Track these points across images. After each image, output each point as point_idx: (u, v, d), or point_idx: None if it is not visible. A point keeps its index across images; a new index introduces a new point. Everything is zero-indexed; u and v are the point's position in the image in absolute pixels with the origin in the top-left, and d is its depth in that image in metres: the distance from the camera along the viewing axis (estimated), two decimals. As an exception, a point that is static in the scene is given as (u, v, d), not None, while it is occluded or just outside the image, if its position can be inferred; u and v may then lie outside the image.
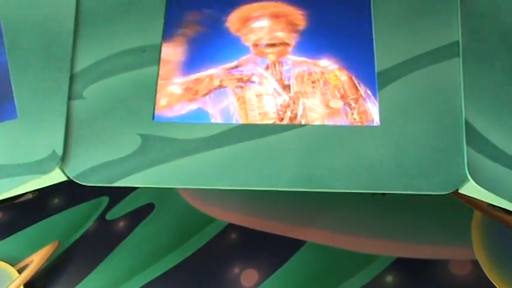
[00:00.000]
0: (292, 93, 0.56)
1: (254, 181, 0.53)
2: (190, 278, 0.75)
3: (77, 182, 0.54)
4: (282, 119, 0.55)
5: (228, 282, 0.74)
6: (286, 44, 0.57)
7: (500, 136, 0.53)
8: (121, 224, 0.81)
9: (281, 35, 0.57)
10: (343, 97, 0.55)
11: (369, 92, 0.55)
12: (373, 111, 0.54)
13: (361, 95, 0.55)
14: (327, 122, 0.55)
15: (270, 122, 0.55)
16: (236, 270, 0.74)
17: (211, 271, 0.75)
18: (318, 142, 0.54)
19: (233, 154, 0.54)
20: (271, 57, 0.57)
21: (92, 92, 0.56)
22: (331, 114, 0.55)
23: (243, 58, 0.57)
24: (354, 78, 0.56)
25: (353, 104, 0.55)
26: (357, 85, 0.55)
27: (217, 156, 0.54)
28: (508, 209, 0.53)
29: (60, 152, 0.54)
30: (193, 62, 0.57)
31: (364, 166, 0.53)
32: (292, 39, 0.57)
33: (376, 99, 0.55)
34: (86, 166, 0.54)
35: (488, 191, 0.52)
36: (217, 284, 0.74)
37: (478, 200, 0.56)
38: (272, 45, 0.57)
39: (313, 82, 0.56)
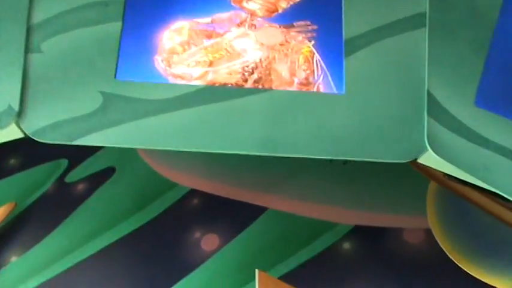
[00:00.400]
0: (262, 57, 0.56)
1: (218, 144, 0.53)
2: (151, 241, 0.75)
3: (34, 138, 0.52)
4: (246, 80, 0.55)
5: (188, 246, 0.74)
6: (273, 11, 0.56)
7: (460, 107, 0.54)
8: (80, 186, 0.80)
9: (276, 1, 0.56)
10: (307, 68, 0.55)
11: (327, 70, 0.55)
12: (332, 85, 0.55)
13: (324, 71, 0.55)
14: (290, 89, 0.55)
15: (234, 81, 0.54)
16: (197, 234, 0.75)
17: (172, 235, 0.75)
18: (283, 107, 0.54)
19: (197, 116, 0.53)
20: (248, 19, 0.56)
21: (50, 46, 0.54)
22: (292, 83, 0.55)
23: (219, 15, 0.56)
24: (318, 53, 0.56)
25: (315, 77, 0.55)
26: (319, 61, 0.56)
27: (181, 117, 0.53)
28: (463, 179, 0.55)
29: (16, 107, 0.52)
30: (165, 12, 0.56)
31: (328, 133, 0.53)
32: (282, 8, 0.57)
33: (340, 72, 0.55)
34: (44, 123, 0.52)
35: (445, 160, 0.53)
36: (178, 248, 0.74)
37: (435, 170, 0.57)
38: (259, 5, 0.56)
39: (285, 49, 0.56)
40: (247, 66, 0.55)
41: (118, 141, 0.53)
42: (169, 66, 0.55)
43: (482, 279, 0.67)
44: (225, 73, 0.55)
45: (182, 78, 0.54)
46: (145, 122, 0.53)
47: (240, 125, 0.53)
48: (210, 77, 0.55)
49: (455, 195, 0.70)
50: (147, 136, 0.53)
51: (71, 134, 0.52)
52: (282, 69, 0.55)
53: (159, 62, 0.55)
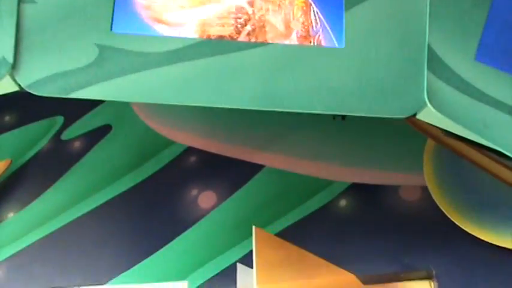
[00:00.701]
0: (255, 8, 0.54)
1: (215, 98, 0.52)
2: (148, 199, 0.75)
3: (30, 91, 0.52)
4: (239, 32, 0.53)
5: (185, 204, 0.74)
6: None
7: (461, 62, 0.53)
8: (77, 144, 0.79)
9: None
10: (305, 20, 0.54)
11: (326, 23, 0.54)
12: (333, 38, 0.54)
13: (323, 23, 0.54)
14: (285, 42, 0.54)
15: (228, 33, 0.53)
16: (194, 192, 0.75)
17: (169, 193, 0.75)
18: (282, 61, 0.53)
19: (195, 70, 0.52)
20: None
21: None
22: (289, 35, 0.54)
23: None
24: (316, 5, 0.55)
25: (314, 30, 0.54)
26: (317, 13, 0.54)
27: (178, 71, 0.52)
28: (461, 135, 0.55)
29: (10, 59, 0.51)
30: None
31: (327, 88, 0.53)
32: None
33: (339, 25, 0.54)
34: (40, 75, 0.51)
35: (444, 116, 0.53)
36: (175, 204, 0.74)
37: (432, 127, 0.57)
38: None
39: (278, 0, 0.55)
40: (240, 18, 0.54)
41: (115, 94, 0.52)
42: (154, 12, 0.53)
43: (478, 236, 0.68)
44: (218, 25, 0.54)
45: (168, 24, 0.53)
46: (142, 76, 0.52)
47: (238, 79, 0.52)
48: (196, 23, 0.53)
49: (452, 152, 0.70)
50: (144, 90, 0.52)
51: (66, 86, 0.51)
52: (276, 21, 0.54)
53: (142, 8, 0.53)
